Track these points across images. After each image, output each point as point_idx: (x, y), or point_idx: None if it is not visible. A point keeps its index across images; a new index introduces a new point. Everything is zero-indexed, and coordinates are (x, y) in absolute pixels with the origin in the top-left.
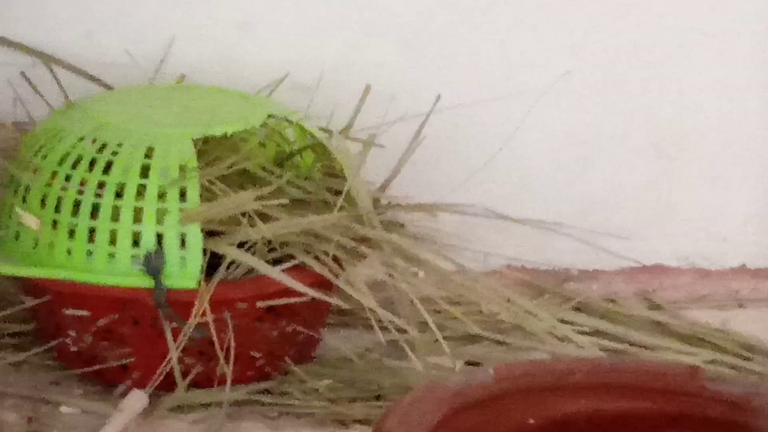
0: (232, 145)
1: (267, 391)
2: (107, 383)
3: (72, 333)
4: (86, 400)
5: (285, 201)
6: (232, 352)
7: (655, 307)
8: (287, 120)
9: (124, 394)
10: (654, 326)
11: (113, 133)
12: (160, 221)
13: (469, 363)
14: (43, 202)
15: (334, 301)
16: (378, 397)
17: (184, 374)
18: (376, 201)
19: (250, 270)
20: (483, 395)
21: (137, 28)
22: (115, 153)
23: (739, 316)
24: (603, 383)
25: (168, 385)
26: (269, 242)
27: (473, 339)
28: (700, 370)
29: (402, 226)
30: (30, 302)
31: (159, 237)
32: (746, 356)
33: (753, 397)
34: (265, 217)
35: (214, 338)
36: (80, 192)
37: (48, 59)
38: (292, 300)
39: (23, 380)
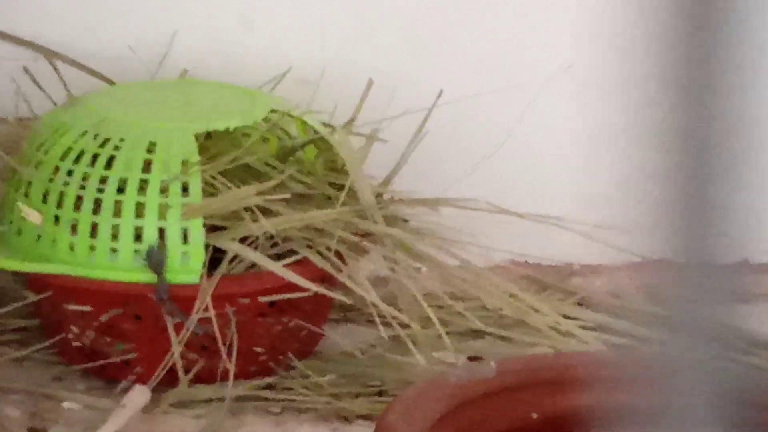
0: (235, 139)
1: (270, 387)
2: (110, 379)
3: (74, 328)
4: (89, 395)
5: (287, 196)
6: (235, 347)
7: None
8: (289, 115)
9: (126, 390)
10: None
11: (115, 128)
12: (162, 216)
13: (471, 358)
14: (45, 197)
15: (337, 296)
16: (381, 393)
17: (187, 370)
18: (378, 196)
19: (253, 265)
20: (485, 390)
21: (140, 23)
22: (117, 148)
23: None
24: (606, 378)
25: (170, 380)
26: (271, 237)
27: (476, 334)
28: None
29: (405, 220)
30: (32, 298)
31: (161, 232)
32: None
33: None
34: (267, 212)
35: (217, 333)
36: (82, 187)
37: (50, 54)
38: (295, 295)
39: (26, 376)
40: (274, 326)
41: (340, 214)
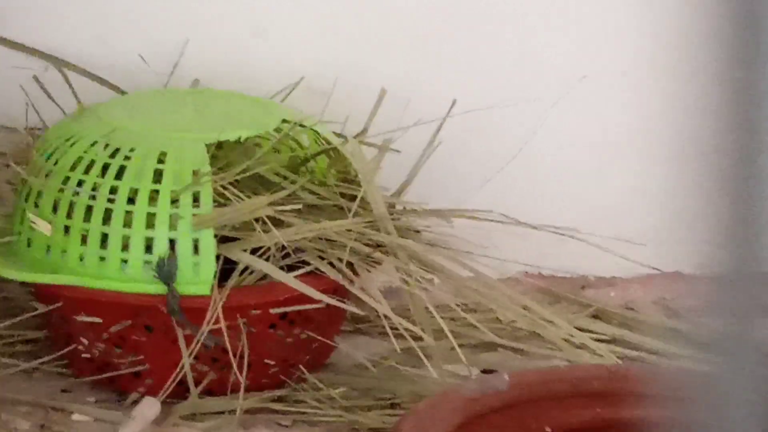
0: (246, 150)
1: (281, 399)
2: (120, 391)
3: (84, 340)
4: (98, 407)
5: (299, 206)
6: (246, 359)
7: (674, 314)
8: (301, 125)
9: (136, 402)
10: (672, 334)
11: (126, 138)
12: (172, 227)
13: (485, 371)
14: (55, 207)
15: (349, 307)
16: (393, 405)
17: (197, 382)
18: (391, 206)
19: (264, 276)
20: (499, 403)
21: (151, 32)
22: (127, 158)
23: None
24: (620, 391)
25: (181, 392)
26: (283, 248)
27: (489, 346)
28: None
29: (417, 232)
30: (42, 309)
31: (172, 243)
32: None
33: None
34: (278, 223)
35: (227, 345)
36: (92, 197)
37: (60, 63)
38: (306, 307)
39: (35, 388)
40: (286, 338)
41: (353, 225)
